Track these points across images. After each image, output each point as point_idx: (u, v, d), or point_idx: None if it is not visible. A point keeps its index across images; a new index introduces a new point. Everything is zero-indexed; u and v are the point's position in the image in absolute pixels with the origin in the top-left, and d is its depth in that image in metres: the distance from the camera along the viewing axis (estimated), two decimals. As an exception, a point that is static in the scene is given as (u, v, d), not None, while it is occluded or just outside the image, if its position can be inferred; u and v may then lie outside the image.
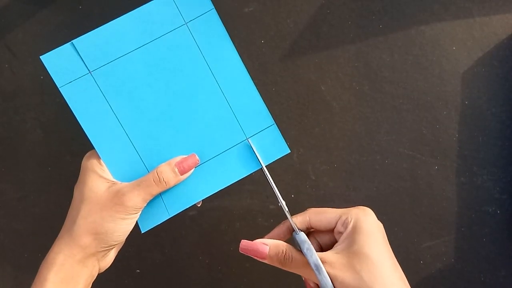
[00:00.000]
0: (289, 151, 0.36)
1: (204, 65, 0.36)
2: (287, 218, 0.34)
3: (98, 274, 0.35)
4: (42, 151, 0.47)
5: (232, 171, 0.36)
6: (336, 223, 0.32)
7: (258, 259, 0.32)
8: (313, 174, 0.47)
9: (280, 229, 0.35)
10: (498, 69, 0.47)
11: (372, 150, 0.47)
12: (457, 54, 0.47)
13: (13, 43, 0.46)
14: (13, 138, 0.47)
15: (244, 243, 0.32)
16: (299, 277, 0.34)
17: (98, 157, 0.34)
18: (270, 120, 0.36)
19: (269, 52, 0.47)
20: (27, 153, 0.47)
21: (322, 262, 0.30)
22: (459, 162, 0.47)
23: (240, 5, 0.46)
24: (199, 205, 0.37)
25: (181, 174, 0.34)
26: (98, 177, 0.33)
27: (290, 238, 0.34)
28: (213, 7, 0.35)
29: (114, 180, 0.34)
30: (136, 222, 0.34)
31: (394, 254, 0.32)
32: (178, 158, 0.34)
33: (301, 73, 0.47)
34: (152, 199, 0.34)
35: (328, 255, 0.30)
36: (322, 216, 0.33)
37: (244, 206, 0.47)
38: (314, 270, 0.29)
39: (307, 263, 0.30)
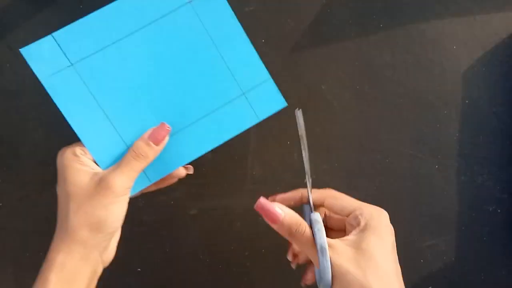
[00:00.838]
0: (286, 105, 0.36)
1: (201, 27, 0.35)
2: (307, 192, 0.33)
3: (104, 269, 0.34)
4: (44, 150, 0.47)
5: (227, 129, 0.36)
6: (350, 214, 0.32)
7: (268, 221, 0.31)
8: (313, 173, 0.47)
9: (293, 195, 0.35)
10: (499, 68, 0.47)
11: (372, 149, 0.47)
12: (457, 53, 0.47)
13: (14, 42, 0.46)
14: (15, 138, 0.47)
15: (263, 201, 0.31)
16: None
17: (73, 151, 0.34)
18: (266, 74, 0.36)
19: (269, 52, 0.46)
20: (29, 152, 0.47)
21: (329, 246, 0.29)
22: (460, 161, 0.47)
23: (241, 5, 0.46)
24: (191, 172, 0.36)
25: (157, 145, 0.34)
26: (77, 171, 0.32)
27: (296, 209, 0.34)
28: None
29: (94, 169, 0.34)
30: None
31: (394, 253, 0.32)
32: (150, 131, 0.34)
33: (301, 73, 0.47)
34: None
35: (337, 243, 0.30)
36: (338, 202, 0.33)
37: (244, 205, 0.47)
38: (318, 251, 0.29)
39: (313, 243, 0.30)
